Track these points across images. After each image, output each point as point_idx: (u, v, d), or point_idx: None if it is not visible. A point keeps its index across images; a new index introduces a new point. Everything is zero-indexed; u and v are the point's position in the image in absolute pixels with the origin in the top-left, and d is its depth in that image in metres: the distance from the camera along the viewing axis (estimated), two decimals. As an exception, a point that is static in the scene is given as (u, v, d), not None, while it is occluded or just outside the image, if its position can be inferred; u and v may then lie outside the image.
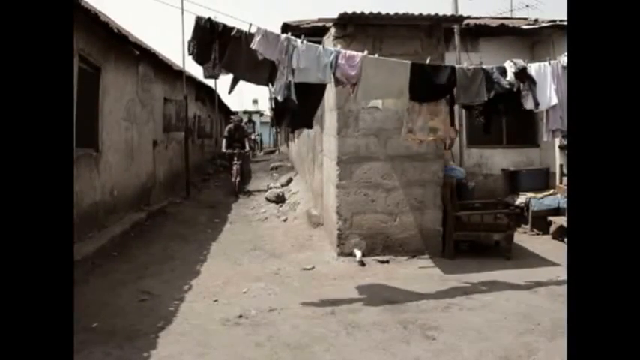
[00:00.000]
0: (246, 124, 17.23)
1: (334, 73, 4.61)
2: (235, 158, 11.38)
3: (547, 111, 5.15)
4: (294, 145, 13.90)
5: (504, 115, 5.45)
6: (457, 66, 5.03)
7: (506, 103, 5.05)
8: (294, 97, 4.45)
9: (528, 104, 5.04)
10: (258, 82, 4.81)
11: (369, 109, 5.97)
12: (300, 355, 3.43)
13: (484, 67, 5.00)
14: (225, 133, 12.12)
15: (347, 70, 4.60)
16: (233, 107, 24.43)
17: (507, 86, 4.90)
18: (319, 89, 4.84)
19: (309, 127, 5.34)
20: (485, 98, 4.89)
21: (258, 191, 11.23)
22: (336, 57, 4.59)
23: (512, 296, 4.62)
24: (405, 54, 5.69)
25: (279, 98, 4.50)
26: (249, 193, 11.21)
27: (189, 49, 4.61)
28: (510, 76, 4.91)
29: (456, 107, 5.34)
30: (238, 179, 11.14)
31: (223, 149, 12.01)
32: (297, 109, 4.63)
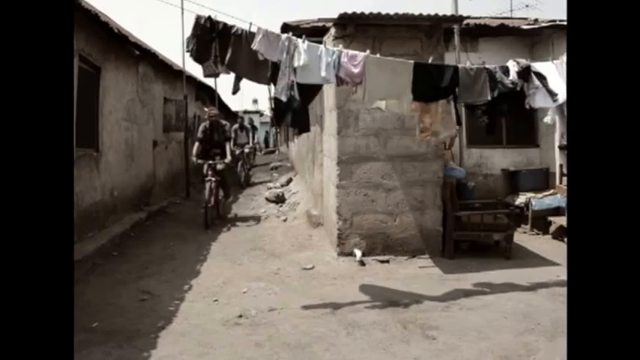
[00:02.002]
0: (236, 132, 12.42)
1: (337, 73, 4.59)
2: (210, 172, 8.01)
3: (558, 113, 5.13)
4: (294, 145, 13.91)
5: (508, 115, 5.42)
6: (460, 65, 5.01)
7: (510, 103, 5.02)
8: (297, 97, 4.44)
9: (538, 102, 4.98)
10: (259, 81, 4.80)
11: (368, 108, 5.97)
12: (300, 355, 3.43)
13: (487, 66, 4.98)
14: (199, 134, 8.44)
15: (350, 69, 4.57)
16: (233, 107, 24.23)
17: (511, 85, 4.87)
18: (315, 89, 4.83)
19: (308, 130, 5.23)
20: (489, 97, 4.87)
21: (245, 219, 8.45)
22: (339, 56, 4.58)
23: (512, 296, 4.62)
24: (405, 54, 5.69)
25: (283, 99, 4.47)
26: (230, 222, 8.27)
27: (187, 47, 4.60)
28: (513, 75, 4.89)
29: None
30: (212, 204, 7.94)
31: (193, 157, 8.28)
32: (300, 110, 4.63)
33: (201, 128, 8.56)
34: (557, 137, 7.85)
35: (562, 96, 4.94)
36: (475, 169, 8.51)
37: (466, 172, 7.59)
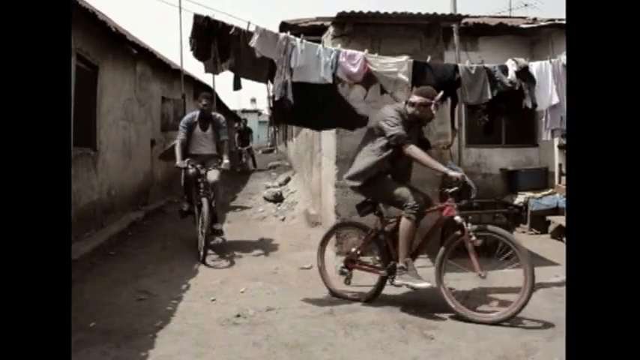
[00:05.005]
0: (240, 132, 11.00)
1: (335, 73, 4.57)
2: (203, 186, 5.77)
3: (547, 110, 5.14)
4: (293, 144, 13.89)
5: (507, 115, 5.41)
6: (460, 64, 5.00)
7: (509, 102, 5.02)
8: (290, 97, 4.43)
9: (528, 103, 5.02)
10: (257, 79, 4.79)
11: (366, 107, 5.94)
12: (298, 355, 3.42)
13: (486, 65, 4.97)
14: (182, 129, 6.13)
15: (349, 68, 4.55)
16: (232, 106, 24.24)
17: (510, 85, 4.87)
18: (332, 92, 4.79)
19: (348, 127, 5.26)
20: (490, 97, 4.86)
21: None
22: (337, 56, 4.56)
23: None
24: (404, 53, 5.63)
25: (276, 97, 4.48)
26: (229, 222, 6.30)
27: (190, 47, 4.58)
28: (512, 74, 4.89)
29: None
30: (206, 240, 5.60)
31: (177, 161, 6.03)
32: (314, 113, 4.69)
33: (186, 119, 6.25)
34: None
35: (545, 103, 5.01)
36: (474, 168, 8.51)
37: (465, 171, 7.56)
